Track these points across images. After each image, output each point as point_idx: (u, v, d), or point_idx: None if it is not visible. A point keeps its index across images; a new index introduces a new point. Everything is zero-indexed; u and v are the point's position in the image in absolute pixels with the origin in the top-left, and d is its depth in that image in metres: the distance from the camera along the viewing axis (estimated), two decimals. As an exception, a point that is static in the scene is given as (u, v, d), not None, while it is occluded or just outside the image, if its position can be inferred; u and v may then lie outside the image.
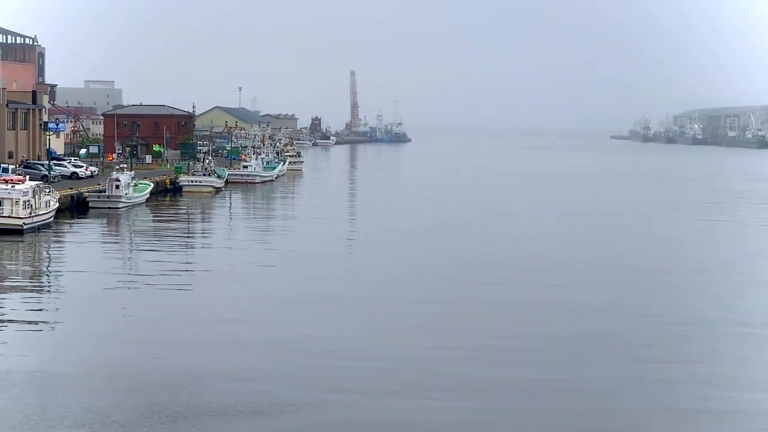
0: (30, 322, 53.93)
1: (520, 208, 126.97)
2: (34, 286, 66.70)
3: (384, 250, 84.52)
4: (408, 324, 54.27)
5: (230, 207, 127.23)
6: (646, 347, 50.48)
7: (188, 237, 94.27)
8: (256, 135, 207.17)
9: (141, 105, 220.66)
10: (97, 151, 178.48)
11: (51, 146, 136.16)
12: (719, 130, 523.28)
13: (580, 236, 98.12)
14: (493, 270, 74.01)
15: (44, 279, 70.78)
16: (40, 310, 58.24)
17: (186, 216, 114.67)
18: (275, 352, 47.51)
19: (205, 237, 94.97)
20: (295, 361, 45.71)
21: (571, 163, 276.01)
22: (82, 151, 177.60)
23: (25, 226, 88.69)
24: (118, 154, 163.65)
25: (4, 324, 53.62)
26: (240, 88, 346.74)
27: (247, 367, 44.69)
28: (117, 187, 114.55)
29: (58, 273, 72.99)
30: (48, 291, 65.29)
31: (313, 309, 57.73)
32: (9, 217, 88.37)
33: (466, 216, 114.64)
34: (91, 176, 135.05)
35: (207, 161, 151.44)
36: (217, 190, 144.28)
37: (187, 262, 76.77)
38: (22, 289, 64.43)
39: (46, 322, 54.32)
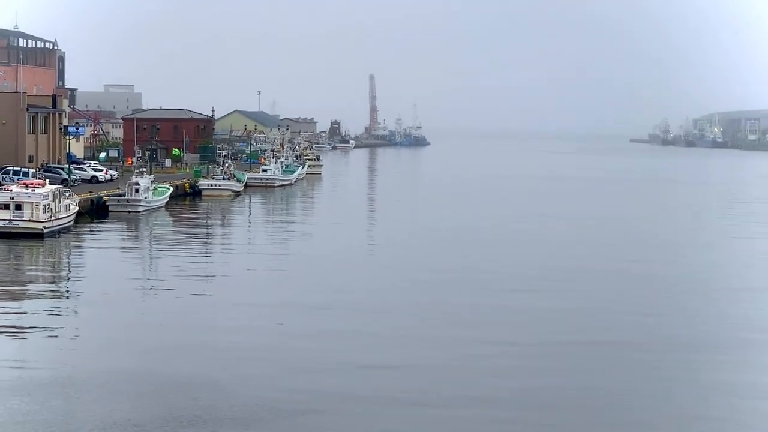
0: (50, 327, 53.77)
1: (544, 212, 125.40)
2: (54, 291, 66.62)
3: (405, 256, 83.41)
4: (428, 331, 53.90)
5: (250, 211, 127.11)
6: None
7: (207, 241, 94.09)
8: (275, 139, 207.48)
9: (160, 109, 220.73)
10: (116, 155, 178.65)
11: (71, 150, 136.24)
12: (739, 134, 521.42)
13: (605, 242, 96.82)
14: (517, 277, 73.18)
15: (64, 283, 70.70)
16: (60, 315, 58.15)
17: (205, 220, 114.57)
18: (295, 359, 47.20)
19: (224, 241, 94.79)
20: (315, 369, 45.40)
21: (592, 166, 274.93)
22: (102, 154, 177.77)
23: (45, 230, 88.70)
24: (138, 157, 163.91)
25: (25, 329, 53.56)
26: (259, 92, 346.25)
27: (267, 374, 44.43)
28: (136, 190, 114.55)
29: (78, 277, 72.96)
30: (68, 296, 65.19)
31: (334, 316, 57.34)
32: (29, 220, 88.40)
33: (490, 220, 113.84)
34: (111, 180, 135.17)
35: (226, 165, 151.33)
36: (237, 193, 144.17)
37: (207, 267, 76.52)
38: (42, 294, 64.35)
39: (66, 327, 54.16)
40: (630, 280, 73.11)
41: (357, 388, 42.35)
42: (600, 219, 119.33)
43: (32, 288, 66.46)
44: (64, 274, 75.82)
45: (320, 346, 49.68)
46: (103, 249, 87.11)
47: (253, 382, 42.83)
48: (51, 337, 51.54)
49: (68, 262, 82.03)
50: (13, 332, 52.40)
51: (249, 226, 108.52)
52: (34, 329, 53.26)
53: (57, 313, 58.47)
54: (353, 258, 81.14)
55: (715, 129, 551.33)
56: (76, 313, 58.63)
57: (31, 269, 76.98)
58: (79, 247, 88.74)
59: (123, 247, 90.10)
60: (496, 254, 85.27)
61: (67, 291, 67.06)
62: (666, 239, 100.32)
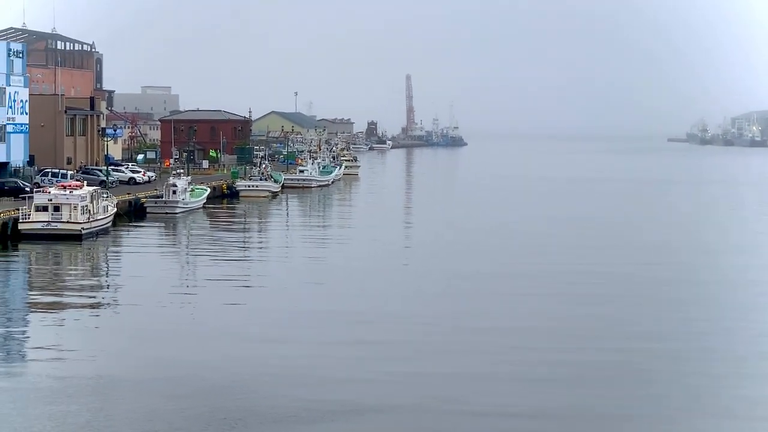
0: (89, 328, 53.70)
1: (587, 215, 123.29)
2: (92, 293, 66.53)
3: (442, 261, 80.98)
4: (464, 339, 53.39)
5: (287, 212, 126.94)
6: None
7: (244, 243, 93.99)
8: (312, 139, 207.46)
9: (198, 110, 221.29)
10: (154, 157, 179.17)
11: (109, 152, 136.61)
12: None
13: (647, 246, 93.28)
14: (559, 282, 71.10)
15: (102, 285, 70.66)
16: (99, 316, 58.08)
17: (242, 221, 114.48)
18: (332, 365, 46.82)
19: (261, 244, 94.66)
20: (351, 375, 45.06)
21: (632, 167, 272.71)
22: (140, 156, 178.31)
23: (83, 232, 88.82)
24: (175, 159, 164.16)
25: (64, 330, 53.50)
26: (296, 93, 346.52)
27: (306, 378, 44.02)
28: (174, 192, 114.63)
29: (116, 279, 72.95)
30: (106, 298, 65.07)
31: (370, 323, 56.59)
32: (67, 222, 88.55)
33: (530, 223, 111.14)
34: (149, 181, 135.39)
35: (263, 166, 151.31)
36: (274, 194, 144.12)
37: (244, 270, 76.23)
38: (80, 296, 64.34)
39: (104, 330, 54.06)
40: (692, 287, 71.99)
41: (392, 395, 41.86)
42: (658, 222, 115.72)
43: (70, 290, 66.48)
44: (102, 275, 75.85)
45: (357, 353, 49.03)
46: (140, 251, 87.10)
47: (290, 385, 42.46)
48: (89, 337, 51.41)
49: (106, 264, 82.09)
50: (52, 334, 52.34)
51: (286, 228, 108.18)
52: (73, 330, 53.20)
53: (95, 315, 58.37)
54: (390, 263, 79.12)
55: (753, 128, 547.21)
56: (114, 315, 58.49)
57: (69, 271, 77.06)
58: (116, 248, 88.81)
59: (160, 249, 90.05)
60: (537, 259, 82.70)
61: (105, 293, 66.97)
62: (726, 244, 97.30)
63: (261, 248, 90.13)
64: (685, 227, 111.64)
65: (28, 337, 52.35)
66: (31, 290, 67.74)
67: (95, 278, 74.07)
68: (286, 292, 65.16)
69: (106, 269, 79.44)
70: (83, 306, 60.66)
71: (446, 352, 49.11)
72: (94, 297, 64.79)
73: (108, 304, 62.43)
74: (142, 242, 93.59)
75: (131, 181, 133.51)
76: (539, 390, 42.60)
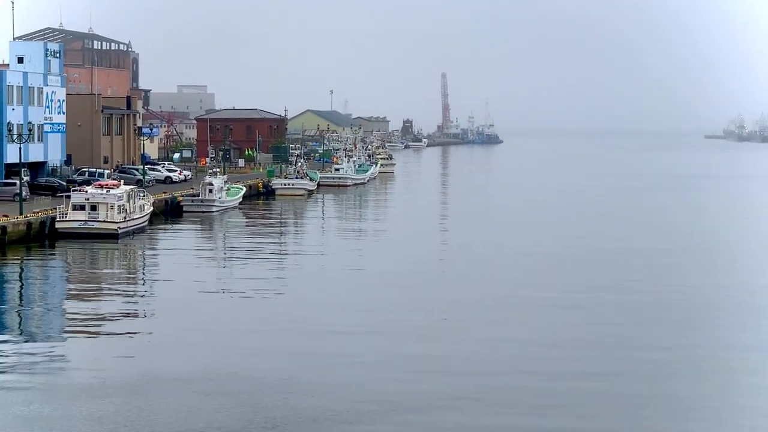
0: (126, 328, 53.59)
1: (631, 214, 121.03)
2: (129, 292, 66.61)
3: (480, 264, 79.28)
4: (495, 337, 53.02)
5: (322, 211, 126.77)
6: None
7: (280, 242, 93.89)
8: (347, 138, 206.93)
9: (233, 109, 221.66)
10: (190, 156, 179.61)
11: (145, 151, 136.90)
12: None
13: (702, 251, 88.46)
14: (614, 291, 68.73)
15: (139, 284, 70.77)
16: (136, 315, 58.07)
17: (278, 220, 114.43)
18: (370, 361, 46.62)
19: (297, 242, 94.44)
20: (390, 374, 44.79)
21: (677, 162, 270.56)
22: (176, 155, 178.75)
23: (119, 231, 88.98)
24: (211, 158, 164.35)
25: (101, 330, 53.46)
26: (332, 91, 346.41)
27: (345, 373, 43.86)
28: (210, 191, 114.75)
29: (153, 278, 73.03)
30: (143, 296, 65.21)
31: (410, 320, 56.35)
32: (104, 221, 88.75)
33: (570, 225, 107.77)
34: (185, 180, 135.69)
35: (299, 164, 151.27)
36: (310, 193, 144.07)
37: (280, 269, 76.17)
38: (118, 295, 64.38)
39: (141, 329, 53.98)
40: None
41: (433, 396, 41.54)
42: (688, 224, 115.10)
43: (107, 289, 66.52)
44: (138, 275, 75.92)
45: (396, 353, 48.68)
46: (176, 250, 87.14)
47: (331, 385, 42.21)
48: (126, 338, 51.28)
49: (142, 263, 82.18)
50: (90, 334, 52.34)
51: (322, 227, 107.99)
52: (109, 330, 53.14)
53: (132, 314, 58.38)
54: (425, 266, 77.67)
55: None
56: (151, 314, 58.51)
57: (105, 270, 77.21)
58: (152, 247, 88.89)
59: (197, 248, 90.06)
60: (582, 268, 77.60)
61: (142, 292, 67.08)
62: None
63: (297, 247, 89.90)
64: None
65: (66, 337, 52.31)
66: (68, 289, 67.86)
67: (132, 277, 74.11)
68: (323, 293, 64.74)
69: (142, 268, 79.52)
70: (120, 305, 60.64)
71: (480, 360, 48.66)
72: (131, 296, 64.82)
73: (145, 303, 62.50)
74: (178, 241, 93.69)
75: (167, 180, 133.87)
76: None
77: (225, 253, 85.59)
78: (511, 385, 43.00)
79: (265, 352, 48.00)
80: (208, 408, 38.69)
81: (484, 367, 45.49)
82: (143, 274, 76.29)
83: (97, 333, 52.79)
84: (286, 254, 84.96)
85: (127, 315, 57.72)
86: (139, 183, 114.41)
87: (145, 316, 57.81)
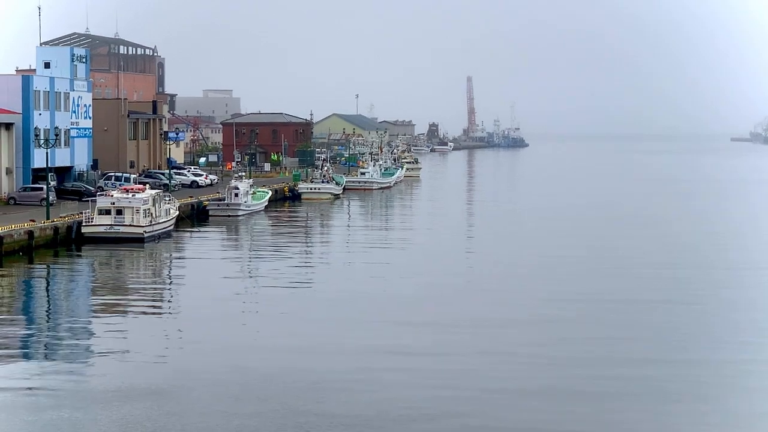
0: (153, 332, 53.55)
1: (675, 222, 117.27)
2: (156, 295, 66.61)
3: (508, 276, 77.04)
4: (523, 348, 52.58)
5: (348, 215, 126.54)
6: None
7: (306, 246, 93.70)
8: (373, 142, 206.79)
9: (259, 113, 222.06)
10: (216, 160, 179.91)
11: (171, 155, 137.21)
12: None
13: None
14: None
15: (165, 288, 70.72)
16: (163, 319, 58.05)
17: (304, 224, 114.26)
18: (401, 366, 46.31)
19: (323, 246, 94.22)
20: (420, 380, 44.50)
21: (710, 165, 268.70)
22: (202, 159, 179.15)
23: (145, 235, 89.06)
24: (237, 162, 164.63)
25: (129, 333, 53.42)
26: (357, 95, 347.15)
27: (376, 379, 43.62)
28: (236, 195, 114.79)
29: (179, 282, 73.02)
30: (169, 300, 65.16)
31: (438, 326, 55.94)
32: (130, 225, 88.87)
33: (604, 234, 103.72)
34: (211, 184, 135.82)
35: (325, 168, 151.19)
36: (336, 197, 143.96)
37: (306, 273, 75.97)
38: (144, 298, 64.36)
39: (169, 332, 53.83)
40: None
41: (465, 403, 41.29)
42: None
43: (133, 293, 66.49)
44: (164, 279, 75.90)
45: (426, 358, 48.32)
46: (202, 254, 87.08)
47: (362, 390, 41.97)
48: (155, 341, 51.09)
49: (168, 267, 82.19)
50: (117, 337, 52.23)
51: (347, 231, 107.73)
52: (137, 334, 53.07)
53: (159, 317, 58.43)
54: (452, 271, 77.27)
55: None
56: (178, 317, 58.55)
57: (131, 274, 77.24)
58: (178, 251, 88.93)
59: (222, 252, 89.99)
60: (614, 278, 74.93)
61: (169, 295, 67.06)
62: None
63: (323, 252, 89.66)
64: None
65: (93, 341, 52.27)
66: (94, 293, 67.85)
67: (158, 281, 74.11)
68: (350, 297, 64.40)
69: (168, 272, 79.52)
70: (147, 309, 60.72)
71: (514, 363, 48.33)
72: (157, 300, 64.83)
73: (172, 307, 62.53)
74: (204, 245, 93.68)
75: (193, 185, 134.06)
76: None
77: (250, 258, 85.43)
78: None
79: (294, 355, 47.73)
80: (239, 412, 38.51)
81: (514, 382, 44.81)
82: (169, 278, 76.26)
83: (125, 337, 52.69)
84: (313, 258, 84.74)
85: (154, 319, 57.73)
86: (165, 187, 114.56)
87: (172, 320, 57.75)
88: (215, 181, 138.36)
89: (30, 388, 42.02)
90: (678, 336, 52.97)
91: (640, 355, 48.46)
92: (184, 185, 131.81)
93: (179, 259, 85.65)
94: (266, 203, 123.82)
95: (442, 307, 60.98)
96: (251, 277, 73.77)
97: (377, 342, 50.94)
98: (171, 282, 73.51)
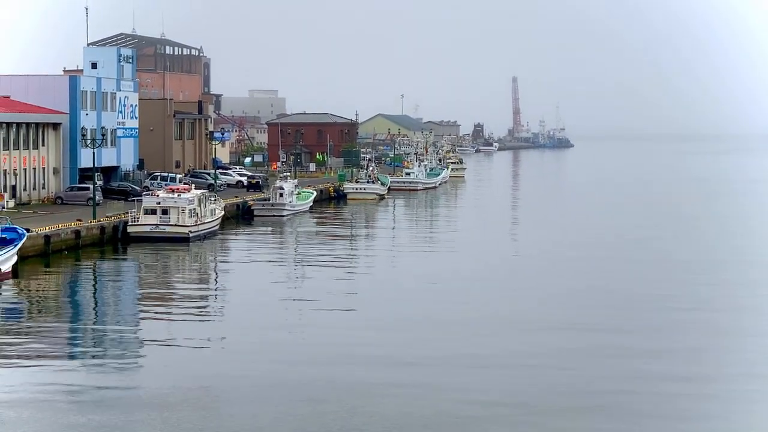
0: (198, 333, 53.32)
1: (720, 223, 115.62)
2: (201, 296, 66.63)
3: (554, 275, 76.05)
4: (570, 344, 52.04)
5: (393, 215, 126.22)
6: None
7: (351, 247, 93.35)
8: (418, 142, 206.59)
9: (304, 113, 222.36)
10: (261, 160, 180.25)
11: (216, 155, 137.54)
12: None
13: None
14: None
15: (210, 288, 70.73)
16: (208, 320, 57.99)
17: (349, 224, 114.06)
18: (450, 369, 45.93)
19: (368, 247, 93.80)
20: (472, 385, 44.06)
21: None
22: (247, 159, 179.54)
23: (190, 234, 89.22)
24: (282, 162, 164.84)
25: (173, 335, 53.34)
26: (402, 96, 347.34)
27: (426, 382, 43.15)
28: (281, 195, 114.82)
29: (224, 282, 72.98)
30: (214, 301, 65.11)
31: (481, 336, 55.09)
32: (175, 225, 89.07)
33: (653, 236, 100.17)
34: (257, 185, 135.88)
35: (370, 168, 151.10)
36: (381, 197, 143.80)
37: (351, 273, 75.62)
38: (189, 299, 64.35)
39: (214, 334, 53.67)
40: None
41: (516, 404, 40.87)
42: None
43: (178, 294, 66.52)
44: (209, 279, 75.95)
45: (474, 363, 47.76)
46: (247, 254, 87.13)
47: (411, 395, 41.50)
48: (200, 343, 50.85)
49: (213, 267, 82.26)
50: (162, 339, 52.16)
51: (393, 232, 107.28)
52: (182, 336, 52.80)
53: (204, 318, 58.32)
54: (498, 271, 76.86)
55: None
56: (223, 319, 58.45)
57: (177, 274, 77.37)
58: (223, 251, 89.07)
59: (267, 253, 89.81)
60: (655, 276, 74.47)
61: (214, 296, 67.06)
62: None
63: (368, 253, 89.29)
64: None
65: (137, 342, 52.29)
66: (139, 294, 67.93)
67: (203, 282, 74.15)
68: (395, 299, 63.89)
69: (213, 273, 79.57)
70: (192, 309, 60.65)
71: (566, 367, 47.62)
72: (202, 300, 64.83)
73: (217, 308, 62.44)
74: (249, 245, 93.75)
75: (239, 185, 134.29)
76: None
77: (295, 258, 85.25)
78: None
79: (332, 358, 47.32)
80: (286, 415, 38.25)
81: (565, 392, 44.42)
82: (214, 278, 76.29)
83: (169, 338, 52.55)
84: (358, 259, 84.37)
85: (199, 320, 57.64)
86: (210, 187, 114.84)
87: (218, 321, 57.67)
88: (261, 181, 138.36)
89: (75, 389, 41.90)
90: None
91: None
92: (229, 185, 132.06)
93: (224, 259, 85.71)
94: (311, 203, 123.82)
95: (487, 311, 60.51)
96: (296, 278, 73.47)
97: (425, 345, 50.39)
98: (216, 283, 73.44)
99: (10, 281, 67.46)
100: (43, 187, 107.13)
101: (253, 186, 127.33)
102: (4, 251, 67.42)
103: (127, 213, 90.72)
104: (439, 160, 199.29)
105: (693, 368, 46.21)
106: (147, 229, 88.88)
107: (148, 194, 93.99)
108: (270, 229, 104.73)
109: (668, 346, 50.71)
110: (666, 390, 41.91)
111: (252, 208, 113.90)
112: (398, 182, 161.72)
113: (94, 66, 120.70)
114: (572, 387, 42.51)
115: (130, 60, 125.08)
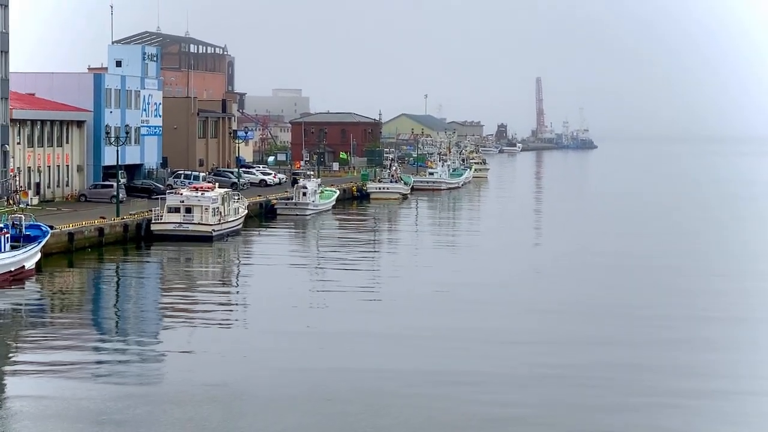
0: (221, 333, 53.27)
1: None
2: (224, 294, 66.56)
3: (577, 277, 75.79)
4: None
5: (416, 215, 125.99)
6: None
7: (374, 246, 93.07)
8: (442, 142, 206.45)
9: (328, 113, 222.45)
10: (284, 159, 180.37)
11: (240, 154, 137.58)
12: None
13: None
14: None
15: (233, 287, 70.67)
16: (230, 319, 57.88)
17: (372, 224, 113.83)
18: (474, 369, 45.69)
19: (391, 247, 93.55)
20: (498, 389, 43.77)
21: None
22: (270, 158, 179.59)
23: (214, 233, 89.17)
24: (306, 161, 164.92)
25: (196, 333, 53.30)
26: (426, 96, 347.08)
27: (453, 381, 42.95)
28: (304, 194, 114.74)
29: (247, 281, 72.94)
30: (237, 300, 65.00)
31: (502, 342, 54.38)
32: (199, 224, 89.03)
33: (680, 241, 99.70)
34: (279, 183, 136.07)
35: (394, 168, 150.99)
36: (404, 197, 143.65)
37: (374, 274, 75.41)
38: (212, 298, 64.23)
39: (236, 333, 53.64)
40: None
41: (541, 407, 40.59)
42: None
43: (201, 292, 66.34)
44: (232, 277, 75.89)
45: (496, 368, 47.35)
46: (270, 253, 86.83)
47: (436, 396, 41.31)
48: (222, 343, 50.73)
49: (237, 266, 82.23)
50: (184, 337, 52.16)
51: (415, 233, 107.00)
52: (205, 334, 52.81)
53: (227, 317, 58.21)
54: (520, 274, 75.80)
55: None
56: (246, 318, 58.33)
57: (200, 273, 77.30)
58: (246, 250, 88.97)
59: (290, 252, 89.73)
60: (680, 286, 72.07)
61: (237, 295, 66.98)
62: None
63: (391, 252, 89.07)
64: None
65: (160, 341, 52.19)
66: (162, 292, 67.94)
67: (226, 281, 74.03)
68: (418, 300, 63.43)
69: (236, 272, 79.50)
70: (214, 308, 60.55)
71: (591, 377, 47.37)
72: (225, 299, 64.72)
73: (240, 307, 62.34)
74: (272, 244, 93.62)
75: (262, 183, 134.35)
76: None
77: (318, 258, 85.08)
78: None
79: (352, 359, 47.15)
80: (297, 418, 38.08)
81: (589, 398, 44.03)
82: (237, 277, 76.22)
83: (192, 337, 52.48)
84: (379, 260, 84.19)
85: (222, 318, 57.52)
86: (233, 186, 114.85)
87: (241, 321, 57.53)
88: (284, 180, 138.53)
89: (97, 386, 41.86)
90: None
91: None
92: (252, 184, 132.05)
93: (247, 257, 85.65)
94: (334, 202, 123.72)
95: (507, 316, 60.22)
96: (318, 278, 73.19)
97: (448, 350, 50.06)
98: (238, 283, 73.33)
99: (33, 278, 67.60)
100: (67, 185, 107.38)
101: (295, 182, 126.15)
102: (29, 248, 67.53)
103: (151, 211, 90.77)
104: (463, 161, 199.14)
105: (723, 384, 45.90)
106: (170, 227, 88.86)
107: (172, 192, 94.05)
108: (293, 228, 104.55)
109: (697, 359, 50.37)
110: (690, 405, 41.37)
111: (275, 207, 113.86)
112: (421, 182, 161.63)
113: (118, 64, 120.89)
114: (601, 399, 41.83)
115: (155, 58, 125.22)
